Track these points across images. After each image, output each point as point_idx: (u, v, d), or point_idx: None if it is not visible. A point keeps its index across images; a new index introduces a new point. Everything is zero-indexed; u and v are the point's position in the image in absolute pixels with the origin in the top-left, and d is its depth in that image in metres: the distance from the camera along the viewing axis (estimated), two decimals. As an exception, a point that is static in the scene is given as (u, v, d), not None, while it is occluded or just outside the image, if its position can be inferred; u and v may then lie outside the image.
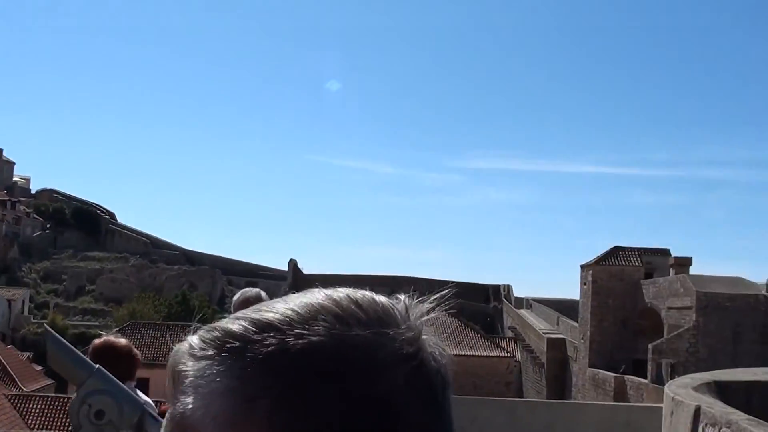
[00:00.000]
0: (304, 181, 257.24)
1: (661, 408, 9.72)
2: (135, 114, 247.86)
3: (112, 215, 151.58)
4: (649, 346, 51.55)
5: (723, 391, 6.63)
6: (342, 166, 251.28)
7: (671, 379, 47.87)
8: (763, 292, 51.70)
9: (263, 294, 6.52)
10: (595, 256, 62.86)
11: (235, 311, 5.46)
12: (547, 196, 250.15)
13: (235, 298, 6.50)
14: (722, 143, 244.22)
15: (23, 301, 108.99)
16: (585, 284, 62.98)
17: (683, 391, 5.89)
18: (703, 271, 55.57)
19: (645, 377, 51.79)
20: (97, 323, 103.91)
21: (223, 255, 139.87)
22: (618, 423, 9.34)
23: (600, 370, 58.62)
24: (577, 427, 9.12)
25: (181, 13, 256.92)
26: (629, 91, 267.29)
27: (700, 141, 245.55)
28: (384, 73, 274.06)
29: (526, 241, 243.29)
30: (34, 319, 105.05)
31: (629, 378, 54.39)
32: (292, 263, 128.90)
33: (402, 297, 1.02)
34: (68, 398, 43.01)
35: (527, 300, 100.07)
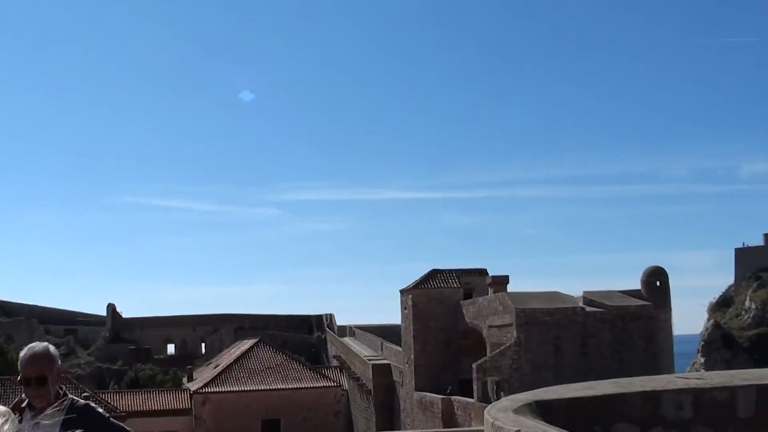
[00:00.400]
0: (121, 223, 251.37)
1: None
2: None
3: None
4: (473, 365, 52.14)
5: (545, 411, 6.45)
6: (159, 206, 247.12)
7: (497, 396, 48.74)
8: (580, 304, 53.04)
9: (51, 348, 6.16)
10: (414, 281, 63.32)
11: (22, 367, 4.81)
12: (363, 223, 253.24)
13: (22, 354, 6.04)
14: (530, 164, 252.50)
15: None
16: (405, 308, 63.33)
17: (503, 416, 5.64)
18: (521, 288, 56.74)
19: (472, 396, 52.29)
20: None
21: (39, 303, 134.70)
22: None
23: (427, 393, 58.91)
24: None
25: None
26: (436, 117, 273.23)
27: (510, 162, 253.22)
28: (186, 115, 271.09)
29: (345, 269, 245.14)
30: None
31: (456, 399, 54.83)
32: (111, 307, 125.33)
33: None
34: None
35: (350, 327, 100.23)
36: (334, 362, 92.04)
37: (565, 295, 55.06)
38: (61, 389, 6.19)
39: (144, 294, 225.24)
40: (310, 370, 73.37)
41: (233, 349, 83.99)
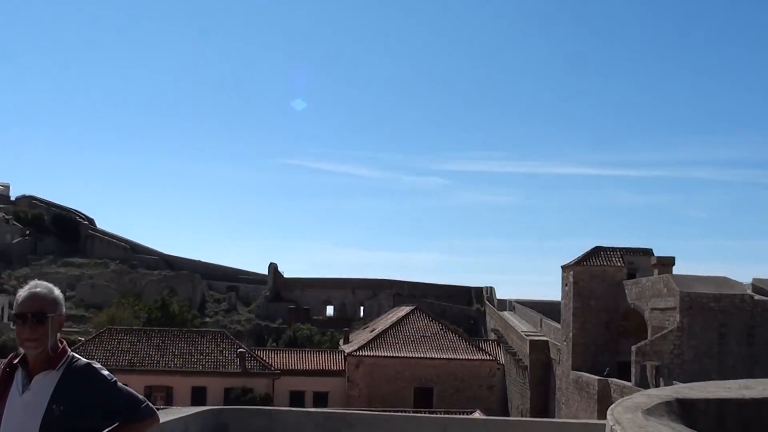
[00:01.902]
0: (285, 186, 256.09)
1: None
2: (114, 120, 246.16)
3: (91, 221, 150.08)
4: (633, 348, 50.44)
5: (687, 413, 5.51)
6: (323, 170, 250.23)
7: (656, 382, 46.62)
8: (749, 291, 50.65)
9: (57, 290, 5.36)
10: (576, 257, 61.78)
11: (19, 303, 4.09)
12: (529, 197, 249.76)
13: (21, 290, 5.27)
14: (705, 144, 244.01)
15: (3, 308, 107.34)
16: (566, 285, 61.90)
17: (628, 418, 4.75)
18: (686, 272, 54.51)
19: (629, 380, 50.74)
20: (77, 329, 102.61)
21: (203, 260, 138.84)
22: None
23: (583, 373, 57.52)
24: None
25: (160, 23, 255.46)
26: (612, 92, 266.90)
27: (684, 142, 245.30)
28: (358, 80, 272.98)
29: (508, 242, 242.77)
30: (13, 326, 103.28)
31: (613, 381, 53.27)
32: (273, 267, 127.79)
33: None
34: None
35: (510, 302, 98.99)
36: (492, 336, 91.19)
37: (734, 281, 52.53)
38: (61, 343, 5.38)
39: (305, 255, 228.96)
40: (466, 342, 72.94)
41: (390, 315, 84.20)
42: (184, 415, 7.39)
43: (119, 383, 5.39)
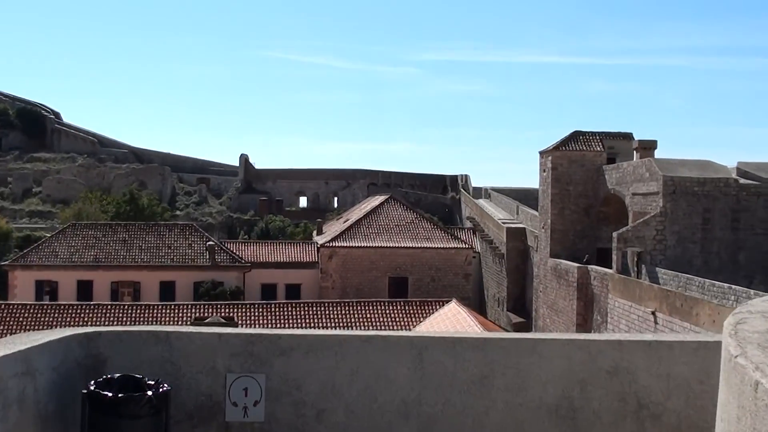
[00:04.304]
0: (257, 77, 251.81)
1: (677, 344, 6.45)
2: (79, 10, 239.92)
3: (57, 115, 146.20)
4: (614, 234, 48.96)
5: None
6: (296, 61, 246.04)
7: (638, 268, 45.28)
8: (734, 176, 49.09)
9: None
10: (554, 142, 59.83)
11: None
12: (503, 86, 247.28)
13: None
14: (679, 31, 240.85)
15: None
16: (544, 171, 60.14)
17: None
18: (668, 157, 52.77)
19: (609, 267, 49.46)
20: (43, 225, 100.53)
21: (173, 152, 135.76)
22: (599, 370, 6.06)
23: (562, 261, 56.35)
24: (528, 379, 5.84)
25: None
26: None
27: (656, 29, 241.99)
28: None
29: (483, 131, 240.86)
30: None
31: (593, 268, 52.08)
32: (244, 158, 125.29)
33: None
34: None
35: (486, 189, 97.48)
36: (468, 224, 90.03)
37: (718, 164, 50.89)
38: None
39: (278, 147, 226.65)
40: (441, 231, 71.62)
41: (364, 205, 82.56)
42: (24, 348, 5.15)
43: None
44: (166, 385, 5.44)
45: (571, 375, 6.23)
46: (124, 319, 43.67)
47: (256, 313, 45.47)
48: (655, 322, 40.39)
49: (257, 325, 44.28)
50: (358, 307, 46.74)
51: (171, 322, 43.47)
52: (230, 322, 37.61)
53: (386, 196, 76.44)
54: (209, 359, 6.11)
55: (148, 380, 5.43)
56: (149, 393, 5.27)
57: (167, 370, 6.03)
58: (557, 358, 6.23)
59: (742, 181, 48.83)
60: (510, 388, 6.18)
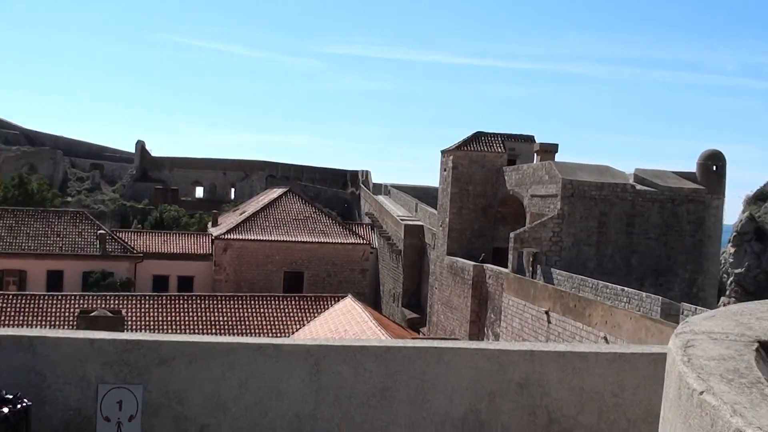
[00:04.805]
0: (157, 61, 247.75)
1: (595, 355, 6.17)
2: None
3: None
4: (511, 234, 49.19)
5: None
6: (196, 47, 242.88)
7: (533, 269, 45.67)
8: (631, 181, 49.91)
9: None
10: (457, 142, 59.98)
11: None
12: (408, 84, 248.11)
13: None
14: (583, 40, 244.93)
15: None
16: (445, 170, 60.25)
17: (725, 391, 2.64)
18: (568, 160, 53.28)
19: (505, 266, 49.71)
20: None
21: (65, 135, 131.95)
22: (509, 381, 5.62)
23: (458, 259, 56.54)
24: (433, 391, 5.36)
25: None
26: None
27: (561, 37, 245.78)
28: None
29: (385, 128, 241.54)
30: None
31: (489, 267, 52.33)
32: (140, 144, 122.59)
33: None
34: None
35: (386, 186, 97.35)
36: (366, 220, 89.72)
37: (616, 170, 51.67)
38: None
39: (176, 135, 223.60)
40: (339, 226, 71.17)
41: (262, 197, 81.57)
42: None
43: None
44: (26, 400, 4.74)
45: (480, 386, 5.79)
46: (9, 309, 42.06)
47: (147, 306, 44.32)
48: (549, 322, 40.68)
49: (147, 318, 43.24)
50: (252, 302, 45.93)
51: (57, 314, 42.20)
52: (117, 315, 36.40)
53: (285, 189, 75.61)
54: (79, 368, 5.42)
55: (6, 394, 4.74)
56: (5, 410, 4.56)
57: (31, 380, 5.33)
58: (465, 368, 5.77)
59: (638, 187, 49.66)
60: (413, 400, 5.70)
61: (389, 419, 5.64)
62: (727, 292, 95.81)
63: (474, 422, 5.78)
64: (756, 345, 3.39)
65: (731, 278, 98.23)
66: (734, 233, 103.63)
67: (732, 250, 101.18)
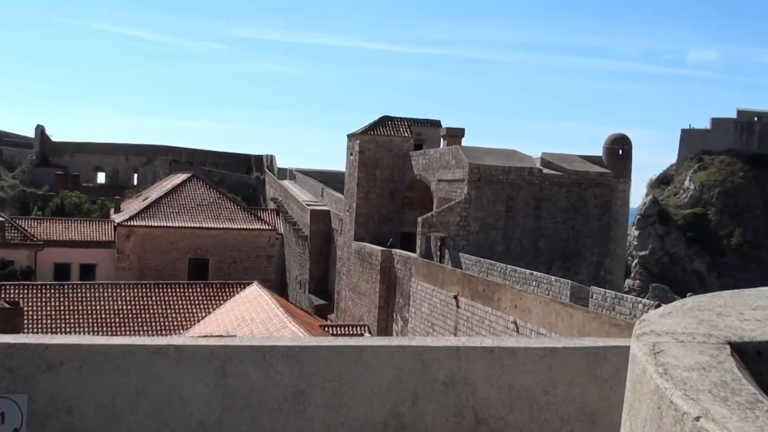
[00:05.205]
0: (55, 45, 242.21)
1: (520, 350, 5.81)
2: None
3: None
4: (419, 219, 49.05)
5: (753, 366, 2.55)
6: (96, 30, 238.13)
7: (440, 253, 45.70)
8: (538, 165, 50.12)
9: None
10: (363, 126, 59.59)
11: None
12: (313, 68, 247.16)
13: None
14: (489, 26, 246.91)
15: None
16: (351, 154, 59.82)
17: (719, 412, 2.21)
18: (475, 145, 53.30)
19: (413, 251, 49.52)
20: None
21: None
22: (434, 381, 5.12)
23: (366, 244, 56.24)
24: (351, 393, 4.85)
25: None
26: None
27: (467, 23, 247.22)
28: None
29: (291, 112, 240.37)
30: None
31: (397, 252, 52.14)
32: (40, 129, 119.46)
33: None
34: None
35: (291, 171, 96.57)
36: (272, 205, 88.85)
37: (523, 154, 51.86)
38: None
39: (77, 119, 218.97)
40: (244, 211, 70.34)
41: (165, 183, 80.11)
42: None
43: None
44: None
45: (402, 387, 5.30)
46: None
47: (47, 296, 43.03)
48: (458, 306, 40.61)
49: (48, 308, 42.01)
50: (156, 289, 44.94)
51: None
52: (15, 307, 35.07)
53: (189, 175, 74.36)
54: None
55: None
56: None
57: None
58: (386, 368, 5.28)
59: (545, 171, 49.92)
60: (330, 404, 5.17)
61: (303, 426, 5.12)
62: (632, 275, 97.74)
63: (396, 426, 5.31)
64: (728, 348, 2.97)
65: (636, 261, 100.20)
66: (638, 216, 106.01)
67: (636, 233, 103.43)
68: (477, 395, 5.42)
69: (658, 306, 29.85)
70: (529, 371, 5.50)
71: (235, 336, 29.73)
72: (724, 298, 3.85)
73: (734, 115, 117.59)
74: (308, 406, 5.12)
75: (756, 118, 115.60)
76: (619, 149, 52.14)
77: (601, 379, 5.56)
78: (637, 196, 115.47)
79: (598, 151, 52.61)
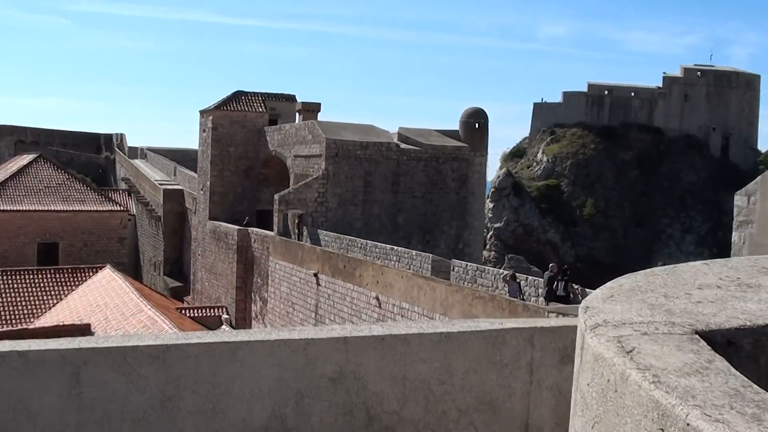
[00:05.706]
0: None
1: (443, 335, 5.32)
2: None
3: None
4: (275, 196, 48.27)
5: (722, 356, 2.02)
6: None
7: (299, 230, 45.09)
8: (395, 140, 49.94)
9: None
10: (216, 102, 58.24)
11: None
12: (165, 43, 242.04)
13: None
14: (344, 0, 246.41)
15: None
16: (204, 131, 58.49)
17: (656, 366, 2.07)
18: (332, 120, 52.82)
19: (271, 229, 48.78)
20: None
21: None
22: (320, 377, 4.51)
23: (221, 223, 55.24)
24: (227, 397, 4.25)
25: None
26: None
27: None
28: None
29: (140, 89, 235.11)
30: None
31: (254, 230, 51.31)
32: None
33: None
34: None
35: (142, 149, 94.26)
36: (123, 185, 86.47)
37: (380, 129, 51.65)
38: None
39: None
40: (94, 192, 68.06)
41: (10, 164, 76.84)
42: None
43: None
44: None
45: (284, 387, 4.68)
46: None
47: None
48: (318, 284, 40.14)
49: None
50: (3, 277, 42.87)
51: None
52: None
53: (35, 155, 71.48)
54: None
55: None
56: None
57: None
58: (265, 365, 4.64)
59: (402, 145, 49.82)
60: (202, 410, 4.51)
61: (173, 436, 4.43)
62: (487, 246, 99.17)
63: (278, 430, 4.69)
64: (700, 339, 2.47)
65: (491, 232, 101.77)
66: (493, 189, 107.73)
67: (491, 205, 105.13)
68: (368, 390, 4.87)
69: (513, 276, 30.03)
70: (423, 359, 4.98)
71: (89, 324, 28.01)
72: (661, 277, 3.38)
73: (585, 89, 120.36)
74: (178, 413, 4.44)
75: (606, 92, 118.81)
76: (476, 123, 52.44)
77: (500, 365, 5.11)
78: (492, 169, 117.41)
79: (455, 126, 52.77)
